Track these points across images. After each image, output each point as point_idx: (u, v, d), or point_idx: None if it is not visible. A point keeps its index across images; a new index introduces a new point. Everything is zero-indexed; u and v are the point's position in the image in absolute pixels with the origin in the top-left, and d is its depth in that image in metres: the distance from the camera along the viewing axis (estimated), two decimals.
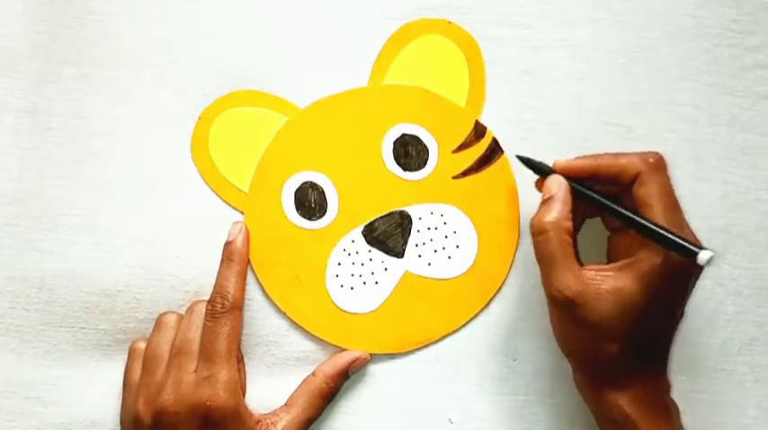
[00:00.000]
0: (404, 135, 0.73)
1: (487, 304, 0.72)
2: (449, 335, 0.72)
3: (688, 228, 0.65)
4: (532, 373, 0.72)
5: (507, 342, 0.72)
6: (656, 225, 0.64)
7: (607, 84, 0.75)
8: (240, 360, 0.70)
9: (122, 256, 0.71)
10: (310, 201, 0.72)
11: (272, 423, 0.67)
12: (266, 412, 0.69)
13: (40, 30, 0.72)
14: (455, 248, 0.72)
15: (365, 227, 0.72)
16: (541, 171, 0.69)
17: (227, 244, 0.70)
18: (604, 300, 0.63)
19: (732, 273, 0.74)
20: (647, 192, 0.65)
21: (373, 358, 0.72)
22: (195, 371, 0.66)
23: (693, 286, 0.66)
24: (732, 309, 0.74)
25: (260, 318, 0.71)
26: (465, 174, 0.73)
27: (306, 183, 0.72)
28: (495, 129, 0.73)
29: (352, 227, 0.72)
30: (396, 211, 0.72)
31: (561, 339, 0.67)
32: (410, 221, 0.72)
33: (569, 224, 0.65)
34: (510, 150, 0.73)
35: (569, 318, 0.65)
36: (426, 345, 0.72)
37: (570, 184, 0.67)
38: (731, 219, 0.75)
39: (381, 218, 0.72)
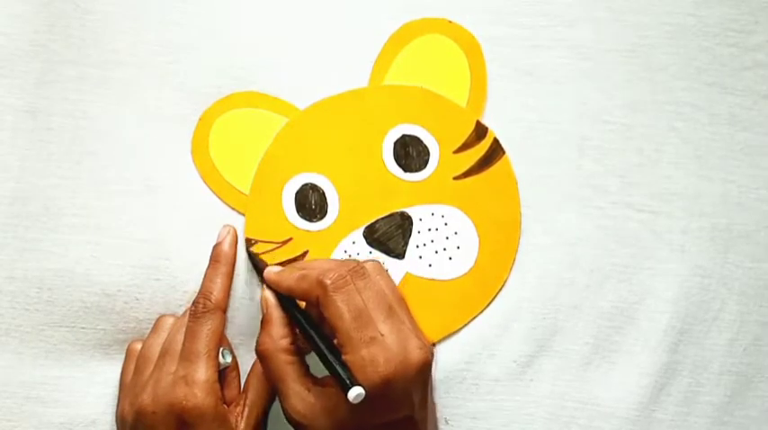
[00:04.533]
0: (404, 136, 0.73)
1: (488, 305, 0.73)
2: (449, 336, 0.72)
3: (391, 336, 0.62)
4: (531, 375, 0.73)
5: (507, 344, 0.73)
6: (328, 352, 0.63)
7: (607, 83, 0.75)
8: (233, 364, 0.70)
9: (122, 256, 0.71)
10: (311, 203, 0.72)
11: (238, 413, 0.67)
12: None
13: (39, 30, 0.71)
14: (456, 249, 0.72)
15: (366, 228, 0.72)
16: (259, 271, 0.69)
17: (215, 246, 0.71)
18: (329, 417, 0.63)
19: (735, 273, 0.75)
20: (329, 314, 0.63)
21: None
22: (174, 371, 0.66)
23: (422, 395, 0.64)
24: (736, 309, 0.74)
25: (260, 317, 0.71)
26: (466, 174, 0.73)
27: (306, 184, 0.72)
28: (496, 130, 0.73)
29: (353, 228, 0.72)
30: (396, 213, 0.72)
31: None
32: (411, 222, 0.72)
33: (286, 342, 0.65)
34: (511, 150, 0.73)
35: None
36: None
37: (276, 298, 0.67)
38: (733, 219, 0.75)
39: (382, 219, 0.72)
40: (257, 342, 0.66)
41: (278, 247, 0.72)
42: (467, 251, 0.72)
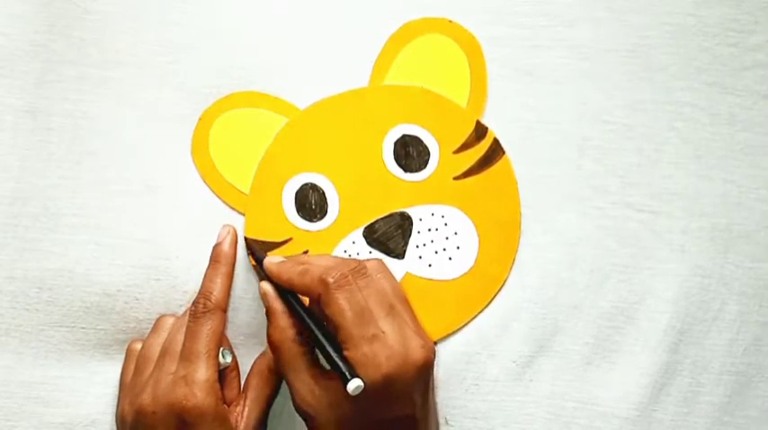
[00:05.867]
0: (404, 136, 0.73)
1: (488, 305, 0.73)
2: (449, 335, 0.72)
3: (393, 334, 0.62)
4: (531, 375, 0.73)
5: (506, 344, 0.72)
6: (328, 344, 0.63)
7: (607, 83, 0.75)
8: (233, 364, 0.70)
9: (122, 256, 0.71)
10: (311, 203, 0.72)
11: (238, 413, 0.68)
12: None
13: (39, 30, 0.71)
14: (456, 249, 0.72)
15: (366, 228, 0.72)
16: (258, 260, 0.69)
17: (215, 246, 0.71)
18: (333, 410, 0.63)
19: (735, 273, 0.75)
20: (330, 312, 0.63)
21: None
22: (175, 371, 0.66)
23: (423, 394, 0.65)
24: (736, 309, 0.74)
25: (261, 318, 0.71)
26: (466, 174, 0.73)
27: (306, 184, 0.72)
28: (496, 130, 0.73)
29: (353, 228, 0.72)
30: (396, 213, 0.72)
31: None
32: (411, 223, 0.72)
33: (293, 332, 0.65)
34: (511, 150, 0.73)
35: (312, 426, 0.64)
36: None
37: (275, 290, 0.67)
38: (732, 219, 0.75)
39: (382, 219, 0.72)
40: (267, 334, 0.66)
41: (278, 247, 0.72)
42: (467, 251, 0.72)
